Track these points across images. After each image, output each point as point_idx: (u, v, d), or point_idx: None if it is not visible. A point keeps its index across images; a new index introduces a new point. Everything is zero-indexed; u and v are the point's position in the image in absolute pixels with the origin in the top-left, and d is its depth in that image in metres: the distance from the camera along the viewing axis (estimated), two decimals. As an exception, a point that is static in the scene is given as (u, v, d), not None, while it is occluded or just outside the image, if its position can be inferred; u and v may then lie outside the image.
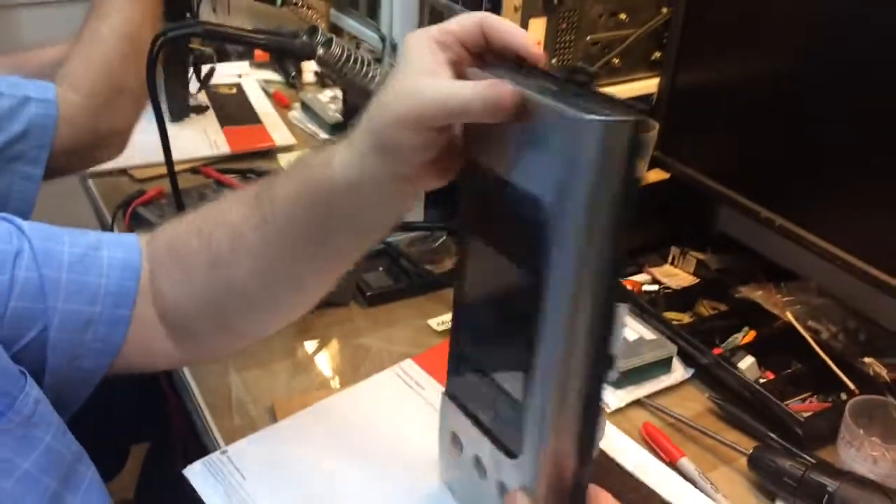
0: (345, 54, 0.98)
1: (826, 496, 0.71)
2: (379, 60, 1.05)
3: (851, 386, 0.83)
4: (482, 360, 0.62)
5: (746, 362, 0.88)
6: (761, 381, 0.87)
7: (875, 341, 0.92)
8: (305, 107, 1.45)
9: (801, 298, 0.95)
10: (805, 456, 0.77)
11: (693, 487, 0.76)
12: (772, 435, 0.81)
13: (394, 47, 1.03)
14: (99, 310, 0.69)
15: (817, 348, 0.87)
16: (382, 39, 1.04)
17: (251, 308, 0.71)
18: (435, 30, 0.57)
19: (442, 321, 0.97)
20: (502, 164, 0.54)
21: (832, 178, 0.85)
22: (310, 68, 1.60)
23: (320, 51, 0.96)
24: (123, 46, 0.94)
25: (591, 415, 0.54)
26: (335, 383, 0.88)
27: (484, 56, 0.58)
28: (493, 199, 0.57)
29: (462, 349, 0.64)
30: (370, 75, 1.02)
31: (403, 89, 0.56)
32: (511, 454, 0.57)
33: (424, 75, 0.56)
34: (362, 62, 1.00)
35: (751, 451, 0.78)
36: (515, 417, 0.56)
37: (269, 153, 1.34)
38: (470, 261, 0.61)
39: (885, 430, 0.77)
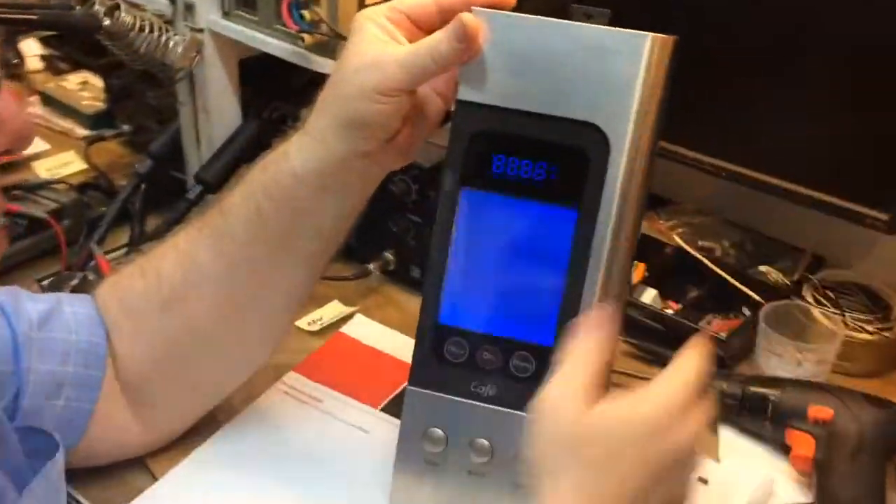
0: (137, 22, 0.96)
1: (770, 406, 0.83)
2: (170, 23, 1.03)
3: (756, 297, 0.97)
4: (484, 323, 0.67)
5: (649, 295, 1.00)
6: (668, 312, 0.99)
7: (762, 249, 1.07)
8: (49, 99, 1.38)
9: (682, 220, 1.08)
10: (736, 374, 0.89)
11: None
12: (694, 363, 0.93)
13: (188, 7, 1.02)
14: (71, 370, 0.71)
15: (715, 267, 1.00)
16: (172, 0, 1.02)
17: (215, 349, 0.74)
18: (384, 7, 0.66)
19: (313, 319, 0.99)
20: (536, 98, 0.64)
21: (697, 88, 0.98)
22: (33, 51, 1.51)
23: (106, 21, 0.93)
24: None
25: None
26: (206, 418, 0.86)
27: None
28: (508, 142, 0.66)
29: (444, 322, 0.68)
30: (168, 43, 1.00)
31: (363, 62, 0.64)
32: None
33: (382, 45, 0.64)
34: (158, 30, 0.99)
35: (682, 382, 0.89)
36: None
37: (13, 165, 1.26)
38: (463, 218, 0.67)
39: (799, 332, 0.92)
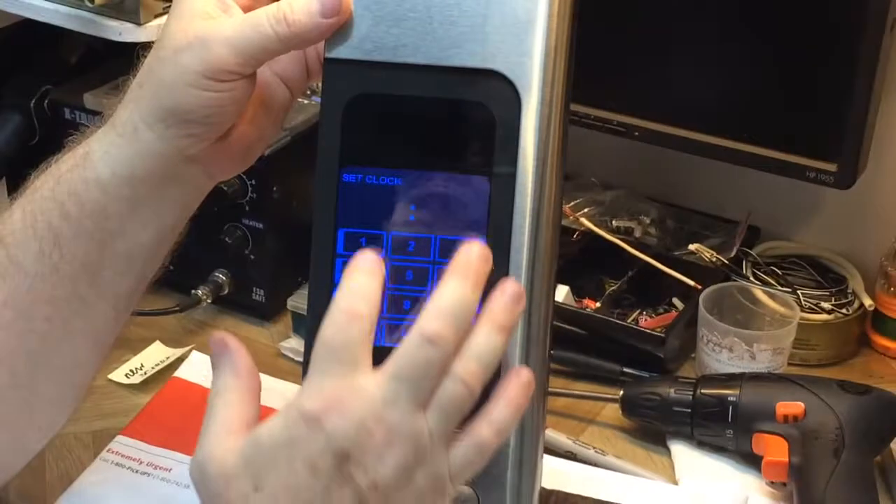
0: None
1: (729, 409, 0.91)
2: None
3: (690, 282, 1.06)
4: (385, 335, 0.69)
5: (560, 294, 1.06)
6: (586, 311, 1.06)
7: (688, 225, 1.17)
8: None
9: (588, 198, 1.16)
10: (681, 377, 0.97)
11: (574, 462, 0.91)
12: (627, 370, 1.01)
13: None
14: None
15: (635, 251, 1.08)
16: None
17: None
18: None
19: (131, 370, 1.01)
20: (421, 48, 0.68)
21: (598, 35, 1.06)
22: None
23: None
24: None
25: None
26: (19, 507, 0.87)
27: None
28: (393, 104, 0.69)
29: None
30: None
31: (185, 39, 0.66)
32: None
33: (207, 19, 0.66)
34: None
35: (618, 396, 0.96)
36: None
37: None
38: (347, 208, 0.70)
39: (747, 319, 1.01)
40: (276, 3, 0.66)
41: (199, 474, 0.64)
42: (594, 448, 0.93)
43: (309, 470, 0.61)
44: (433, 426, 0.62)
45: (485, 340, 0.63)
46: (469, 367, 0.62)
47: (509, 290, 0.63)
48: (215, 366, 0.67)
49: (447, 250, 0.69)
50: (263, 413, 0.90)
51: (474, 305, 0.63)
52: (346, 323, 0.61)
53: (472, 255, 0.62)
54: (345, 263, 0.70)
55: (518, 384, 0.64)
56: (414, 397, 0.62)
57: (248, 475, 0.62)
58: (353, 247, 0.70)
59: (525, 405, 0.65)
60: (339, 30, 0.68)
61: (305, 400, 0.62)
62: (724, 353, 0.98)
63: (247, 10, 0.68)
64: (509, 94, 0.68)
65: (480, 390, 0.63)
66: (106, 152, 0.69)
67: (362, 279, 0.63)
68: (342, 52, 0.69)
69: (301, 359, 0.71)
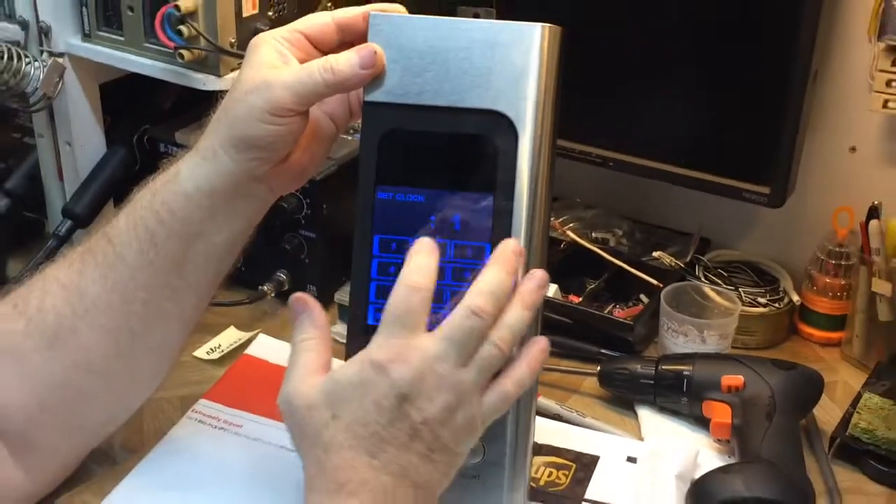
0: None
1: (684, 382, 0.92)
2: (23, 47, 1.03)
3: (654, 282, 1.07)
4: None
5: (551, 290, 1.07)
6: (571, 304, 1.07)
7: (652, 237, 1.17)
8: None
9: (573, 215, 1.17)
10: (646, 357, 0.98)
11: (561, 422, 0.92)
12: (603, 351, 1.01)
13: (44, 31, 1.02)
14: None
15: (610, 258, 1.09)
16: (24, 25, 1.02)
17: (105, 382, 0.75)
18: (283, 29, 0.71)
19: (211, 348, 1.02)
20: (440, 93, 0.70)
21: (581, 86, 1.07)
22: None
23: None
24: None
25: None
26: (121, 456, 0.87)
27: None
28: (417, 138, 0.71)
29: (373, 323, 0.71)
30: (27, 70, 1.01)
31: (253, 83, 0.69)
32: None
33: (272, 67, 0.69)
34: (16, 56, 0.99)
35: (596, 371, 0.97)
36: None
37: None
38: (381, 217, 0.72)
39: (699, 311, 1.01)
40: (325, 57, 0.69)
41: (286, 405, 0.67)
42: (577, 412, 0.94)
43: (375, 406, 0.64)
44: (472, 378, 0.66)
45: (516, 315, 0.67)
46: (503, 334, 0.66)
47: (537, 276, 0.69)
48: (297, 320, 0.70)
49: (461, 254, 0.71)
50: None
51: (510, 287, 0.67)
52: (409, 294, 0.65)
53: (509, 249, 0.68)
54: (380, 264, 0.72)
55: (537, 349, 0.69)
56: (459, 356, 0.65)
57: (328, 406, 0.65)
58: (386, 249, 0.72)
59: (540, 367, 0.69)
60: (375, 79, 0.70)
61: (375, 352, 0.65)
62: (681, 338, 0.99)
63: (302, 62, 0.70)
64: (509, 130, 0.70)
65: (510, 353, 0.67)
66: (191, 171, 0.71)
67: (422, 258, 0.67)
68: (377, 96, 0.71)
69: (344, 341, 0.72)
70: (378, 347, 0.65)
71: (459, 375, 0.65)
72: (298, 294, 0.70)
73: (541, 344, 0.69)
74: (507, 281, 0.67)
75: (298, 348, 0.68)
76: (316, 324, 0.69)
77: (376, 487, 0.63)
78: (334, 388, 0.65)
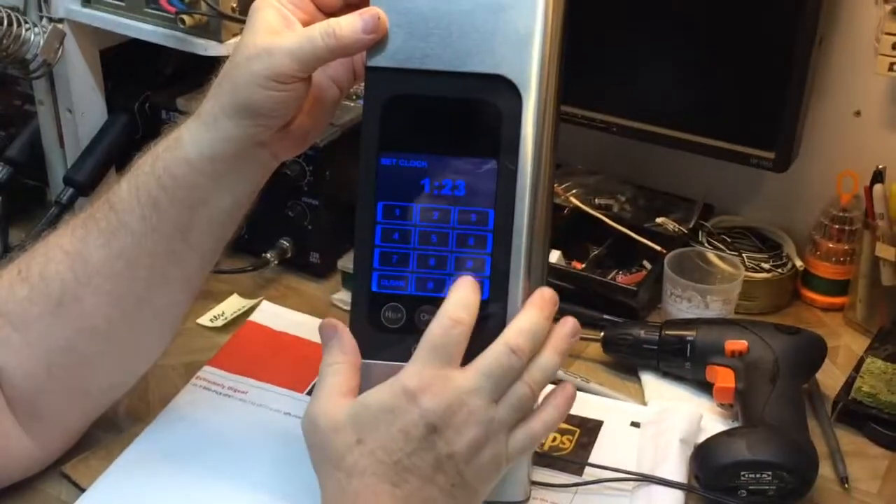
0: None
1: (688, 347, 0.92)
2: (23, 13, 1.02)
3: (657, 248, 1.06)
4: (417, 285, 0.71)
5: (553, 256, 1.07)
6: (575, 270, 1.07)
7: (656, 203, 1.16)
8: None
9: (576, 181, 1.16)
10: (650, 322, 0.98)
11: (565, 388, 0.92)
12: (607, 316, 1.01)
13: (44, -3, 1.02)
14: None
15: (614, 223, 1.09)
16: (22, -10, 1.02)
17: (110, 347, 0.75)
18: None
19: (215, 315, 1.02)
20: (443, 58, 0.69)
21: (584, 50, 1.06)
22: None
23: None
24: None
25: None
26: (126, 423, 0.87)
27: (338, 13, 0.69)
28: (421, 103, 0.70)
29: (377, 290, 0.71)
30: (27, 36, 1.00)
31: (254, 49, 0.67)
32: None
33: (273, 33, 0.67)
34: (16, 22, 0.98)
35: (599, 337, 0.97)
36: None
37: None
38: (385, 184, 0.71)
39: (702, 277, 1.01)
40: (327, 21, 0.67)
41: (310, 425, 0.66)
42: (581, 377, 0.94)
43: (403, 434, 0.64)
44: (502, 416, 0.66)
45: (549, 358, 0.67)
46: (536, 376, 0.67)
47: (570, 324, 0.70)
48: (325, 344, 0.69)
49: (465, 219, 0.70)
50: (309, 346, 0.92)
51: (546, 330, 0.68)
52: (450, 327, 0.65)
53: (546, 295, 0.68)
54: (384, 230, 0.71)
55: (564, 395, 0.70)
56: (493, 392, 0.65)
57: (354, 430, 0.64)
58: (389, 216, 0.71)
59: (567, 412, 0.70)
60: (378, 43, 0.69)
61: (408, 379, 0.64)
62: (684, 303, 0.98)
63: (306, 24, 0.68)
64: (513, 95, 0.69)
65: (539, 395, 0.68)
66: (193, 137, 0.70)
67: (466, 293, 0.67)
68: (380, 61, 0.70)
69: (348, 308, 0.72)
70: (411, 376, 0.65)
71: (490, 412, 0.65)
72: (328, 320, 0.70)
73: (569, 390, 0.70)
74: (545, 324, 0.67)
75: (326, 371, 0.67)
76: (345, 349, 0.68)
77: None
78: (363, 413, 0.64)
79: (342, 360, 0.68)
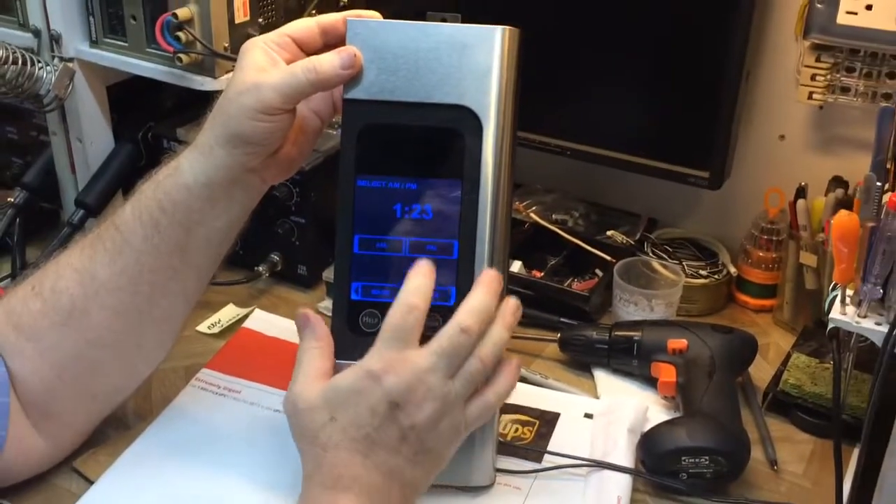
0: (4, 53, 0.95)
1: (635, 346, 0.92)
2: (36, 54, 1.02)
3: (607, 258, 1.07)
4: (392, 293, 0.70)
5: (515, 266, 1.07)
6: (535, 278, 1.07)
7: (605, 218, 1.17)
8: None
9: (535, 199, 1.17)
10: (601, 324, 0.99)
11: (525, 384, 0.92)
12: (563, 319, 1.02)
13: (55, 38, 1.01)
14: None
15: (569, 237, 1.10)
16: (36, 33, 1.01)
17: (115, 355, 0.75)
18: (272, 34, 0.71)
19: (212, 323, 1.01)
20: (412, 90, 0.70)
21: (538, 82, 1.07)
22: None
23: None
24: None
25: None
26: (132, 421, 0.87)
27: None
28: (392, 131, 0.71)
29: (355, 298, 0.72)
30: (40, 74, 0.99)
31: (244, 85, 0.68)
32: None
33: (260, 71, 0.69)
34: (30, 61, 0.98)
35: (556, 338, 0.97)
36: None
37: None
38: (361, 203, 0.72)
39: (647, 283, 1.02)
40: (308, 59, 0.69)
41: (290, 406, 0.68)
42: (540, 374, 0.94)
43: (369, 411, 0.65)
44: (458, 390, 0.67)
45: (498, 334, 0.68)
46: (487, 350, 0.68)
47: (513, 303, 0.71)
48: (301, 332, 0.70)
49: (434, 229, 0.71)
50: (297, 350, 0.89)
51: (494, 308, 0.69)
52: (406, 312, 0.66)
53: (492, 274, 0.69)
54: (361, 241, 0.72)
55: (511, 368, 0.71)
56: (447, 368, 0.66)
57: (327, 409, 0.66)
58: (365, 230, 0.72)
59: (516, 382, 0.71)
60: (353, 78, 0.70)
61: (372, 362, 0.66)
62: (632, 307, 0.99)
63: (289, 62, 0.70)
64: (474, 123, 0.70)
65: (492, 367, 0.69)
66: (190, 165, 0.71)
67: (419, 280, 0.68)
68: (356, 93, 0.71)
69: (331, 314, 0.73)
70: (374, 359, 0.66)
71: (447, 387, 0.66)
72: (302, 310, 0.72)
73: (514, 363, 0.71)
74: (493, 303, 0.68)
75: (303, 357, 0.69)
76: (318, 336, 0.70)
77: (367, 484, 0.64)
78: (334, 394, 0.66)
79: (315, 345, 0.69)
